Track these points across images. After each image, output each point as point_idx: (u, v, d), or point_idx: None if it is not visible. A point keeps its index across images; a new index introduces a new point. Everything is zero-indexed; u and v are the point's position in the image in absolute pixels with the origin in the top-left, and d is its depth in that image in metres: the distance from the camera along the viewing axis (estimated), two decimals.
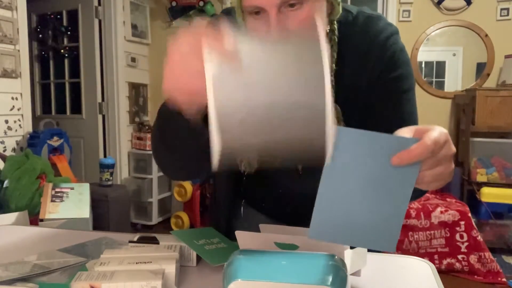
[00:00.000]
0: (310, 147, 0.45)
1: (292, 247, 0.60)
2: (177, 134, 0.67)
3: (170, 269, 0.62)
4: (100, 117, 3.53)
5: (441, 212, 2.59)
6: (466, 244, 2.55)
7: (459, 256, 2.55)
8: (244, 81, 0.43)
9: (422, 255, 2.50)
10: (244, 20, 0.72)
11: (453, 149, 0.51)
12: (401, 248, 2.60)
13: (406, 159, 0.48)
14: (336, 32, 0.77)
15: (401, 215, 0.50)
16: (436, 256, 2.58)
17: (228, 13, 0.86)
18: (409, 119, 0.78)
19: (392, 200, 0.49)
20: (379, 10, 3.41)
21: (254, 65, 0.44)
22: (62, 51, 3.63)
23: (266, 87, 0.43)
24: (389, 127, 0.71)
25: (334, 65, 0.77)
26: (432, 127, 0.50)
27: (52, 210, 2.00)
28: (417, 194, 0.67)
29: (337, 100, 0.72)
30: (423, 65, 3.42)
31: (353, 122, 0.75)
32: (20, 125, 2.54)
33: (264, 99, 0.43)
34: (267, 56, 0.45)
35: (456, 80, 3.38)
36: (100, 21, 3.44)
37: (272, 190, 0.89)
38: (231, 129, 0.44)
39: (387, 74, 0.78)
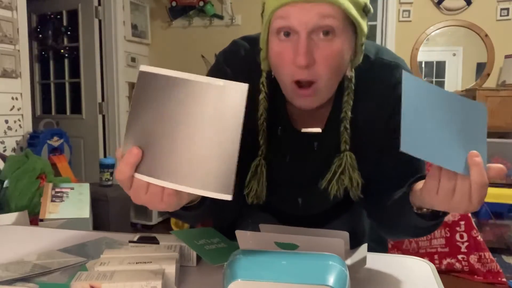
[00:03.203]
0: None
1: (292, 246, 0.60)
2: None
3: (170, 269, 0.62)
4: (100, 117, 3.52)
5: None
6: (466, 244, 2.55)
7: (459, 256, 2.55)
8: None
9: (422, 255, 2.50)
10: (267, 44, 0.70)
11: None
12: (401, 248, 2.60)
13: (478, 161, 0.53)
14: (353, 79, 0.74)
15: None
16: (436, 256, 2.58)
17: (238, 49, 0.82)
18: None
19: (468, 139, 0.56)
20: (379, 10, 3.39)
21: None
22: (62, 51, 3.63)
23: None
24: (404, 174, 0.72)
25: (350, 112, 0.74)
26: None
27: (52, 210, 2.00)
28: (429, 226, 0.67)
29: (352, 146, 0.74)
30: (423, 65, 3.42)
31: (367, 167, 0.76)
32: (20, 125, 2.54)
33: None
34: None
35: (456, 80, 3.38)
36: (100, 21, 3.44)
37: (274, 213, 0.92)
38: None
39: None
